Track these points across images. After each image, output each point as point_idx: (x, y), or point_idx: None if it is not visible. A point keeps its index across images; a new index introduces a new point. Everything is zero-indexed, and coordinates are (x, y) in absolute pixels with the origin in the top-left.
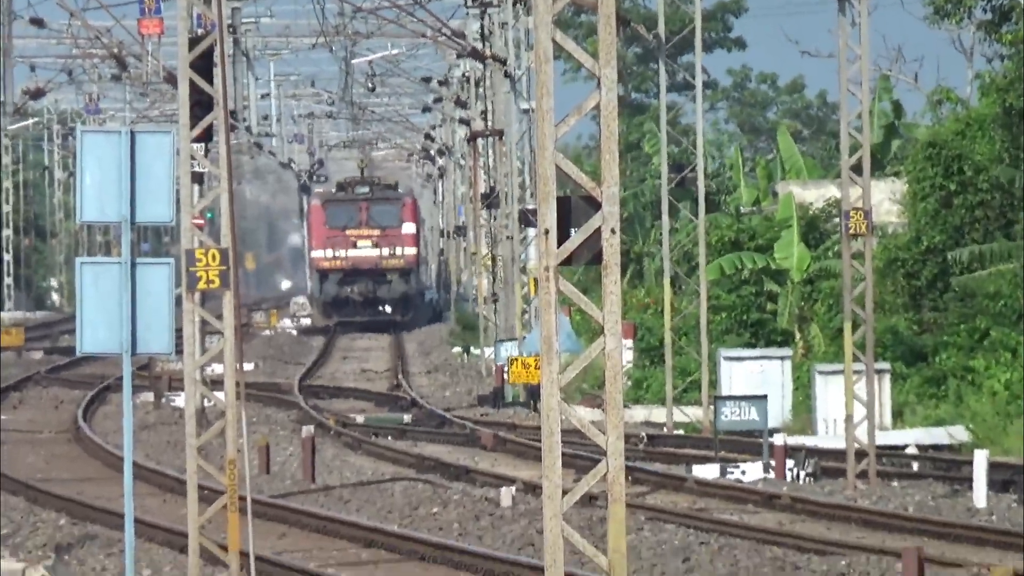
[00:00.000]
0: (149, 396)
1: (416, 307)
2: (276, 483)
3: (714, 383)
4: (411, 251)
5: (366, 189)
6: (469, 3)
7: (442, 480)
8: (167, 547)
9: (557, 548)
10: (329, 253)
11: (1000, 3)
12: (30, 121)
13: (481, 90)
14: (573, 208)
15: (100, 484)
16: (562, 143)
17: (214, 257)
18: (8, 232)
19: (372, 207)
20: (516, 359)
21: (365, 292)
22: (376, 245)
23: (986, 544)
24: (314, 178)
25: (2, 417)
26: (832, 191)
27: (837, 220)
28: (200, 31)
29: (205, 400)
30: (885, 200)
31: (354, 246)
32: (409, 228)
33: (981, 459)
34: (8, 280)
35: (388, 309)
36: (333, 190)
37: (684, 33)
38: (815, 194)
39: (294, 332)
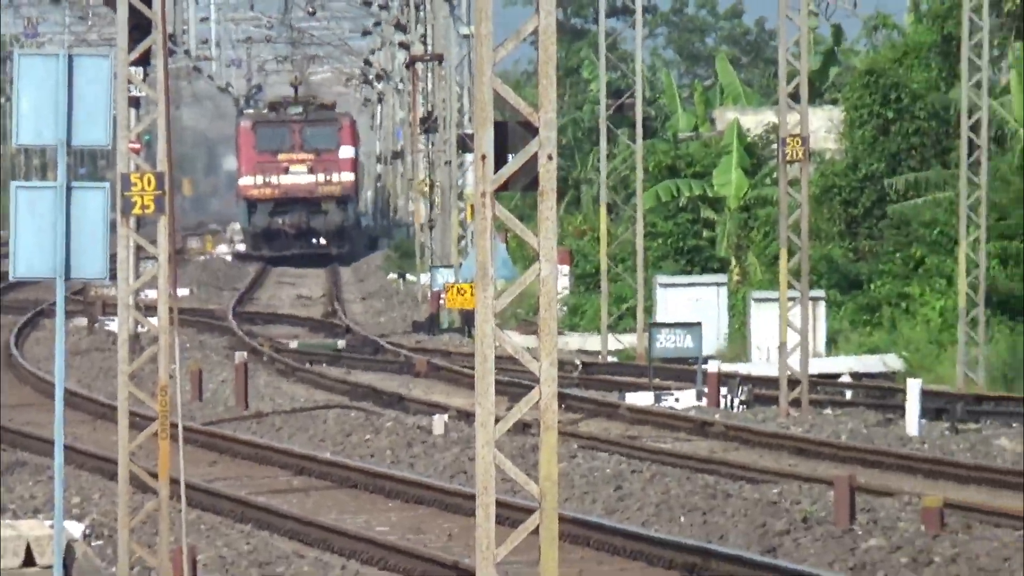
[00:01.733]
0: (82, 321)
1: (353, 239)
2: (208, 410)
3: (650, 310)
4: (349, 177)
5: (300, 109)
6: None
7: (375, 407)
8: (97, 474)
9: (489, 476)
10: (259, 180)
11: None
12: None
13: (421, 14)
14: (510, 133)
15: (31, 410)
16: (501, 68)
17: (149, 182)
18: None
19: (306, 129)
20: (452, 285)
21: (298, 223)
22: (311, 171)
23: (917, 472)
24: (251, 103)
25: None
26: (770, 118)
27: (775, 147)
28: None
29: (138, 326)
30: (822, 127)
31: (286, 172)
32: (347, 152)
33: (914, 387)
34: None
35: (323, 242)
36: (264, 110)
37: None
38: (753, 120)
39: (229, 258)
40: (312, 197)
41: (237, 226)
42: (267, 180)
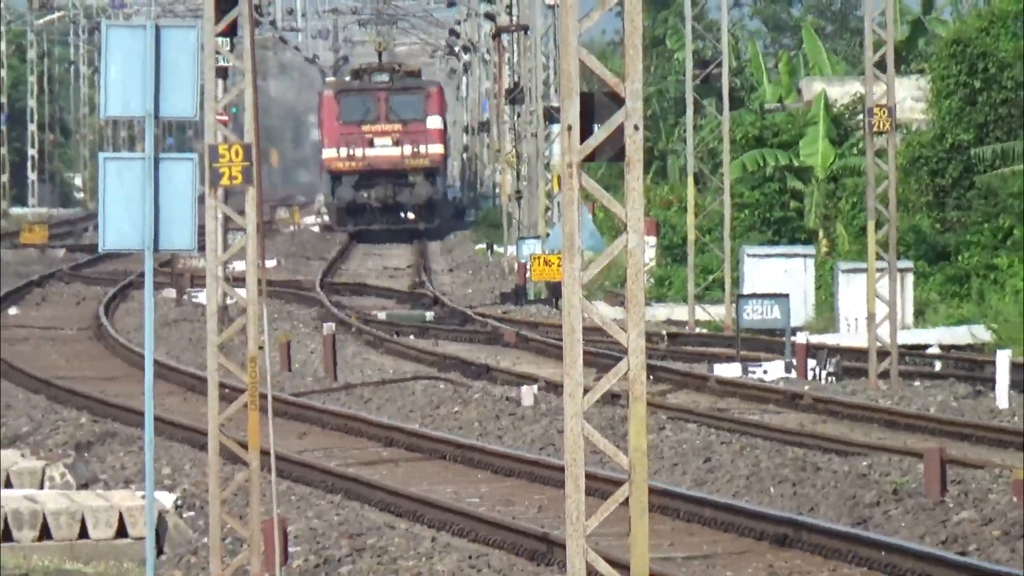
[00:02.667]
0: (171, 293)
1: (442, 213)
2: (297, 381)
3: (737, 281)
4: (437, 149)
5: (385, 77)
6: None
7: (463, 379)
8: (187, 445)
9: (577, 447)
10: (343, 152)
11: None
12: (56, 15)
13: None
14: (596, 104)
15: (121, 382)
16: (586, 39)
17: (237, 153)
18: (33, 127)
19: (392, 98)
20: (538, 256)
21: (384, 197)
22: (397, 143)
23: (1008, 445)
24: (337, 74)
25: (20, 314)
26: (856, 87)
27: (861, 117)
28: None
29: (227, 297)
30: (909, 97)
31: (371, 144)
32: (435, 122)
33: (1004, 359)
34: (33, 176)
35: (411, 216)
36: (348, 78)
37: None
38: (840, 91)
39: (316, 229)
40: (399, 170)
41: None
42: (352, 152)
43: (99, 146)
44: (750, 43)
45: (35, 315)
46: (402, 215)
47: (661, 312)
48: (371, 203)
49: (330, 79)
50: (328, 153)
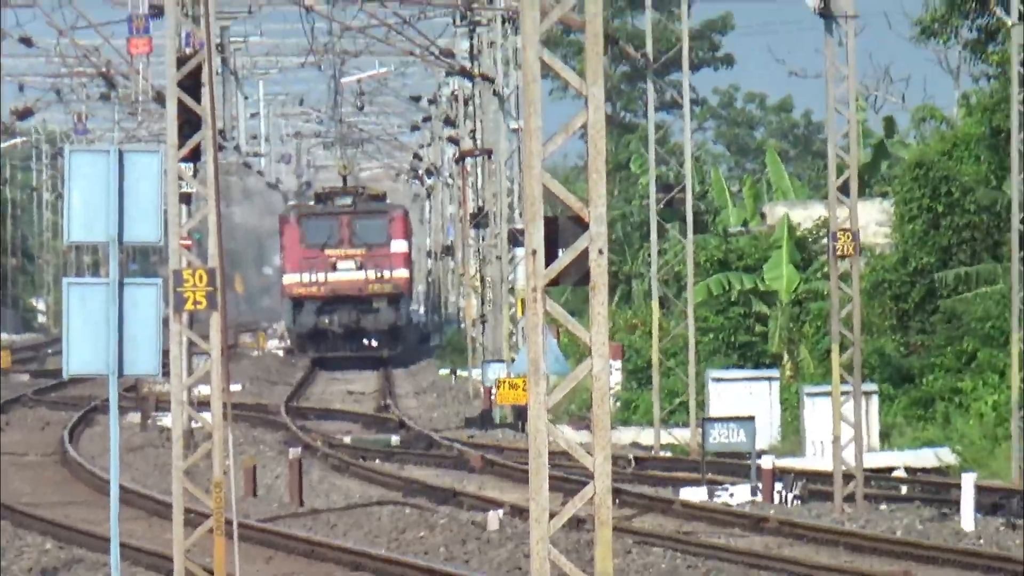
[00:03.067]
0: (136, 417)
1: (406, 340)
2: (263, 506)
3: (702, 405)
4: (402, 273)
5: (349, 201)
6: (458, 22)
7: (429, 503)
8: (153, 571)
9: (544, 572)
10: (305, 277)
11: (986, 23)
12: (18, 140)
13: (470, 109)
14: (561, 228)
15: (86, 507)
16: (550, 163)
17: (201, 278)
18: None
19: (356, 222)
20: (504, 380)
21: (347, 323)
22: (361, 267)
23: (974, 568)
24: (301, 198)
25: None
26: (820, 211)
27: (825, 241)
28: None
29: (192, 421)
30: (873, 221)
31: (334, 268)
32: (400, 246)
33: (969, 482)
34: None
35: (375, 343)
36: (311, 202)
37: (672, 53)
38: (803, 215)
39: (281, 353)
40: (362, 295)
41: None
42: (314, 277)
43: (63, 271)
44: (713, 168)
45: None
46: (365, 341)
47: (627, 435)
48: (334, 329)
49: (292, 202)
50: (289, 278)
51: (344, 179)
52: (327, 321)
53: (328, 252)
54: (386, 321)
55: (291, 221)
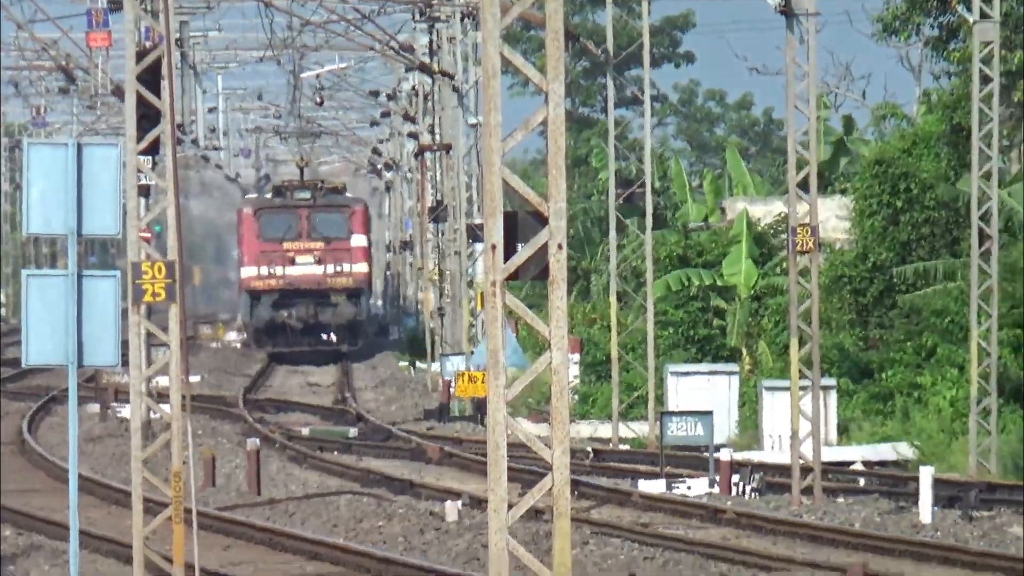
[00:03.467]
0: (95, 408)
1: (366, 335)
2: (222, 496)
3: (661, 398)
4: (361, 268)
5: (307, 194)
6: (417, 17)
7: (387, 494)
8: (113, 559)
9: (502, 562)
10: (263, 271)
11: (948, 20)
12: None
13: (429, 104)
14: (520, 223)
15: (46, 495)
16: (509, 158)
17: (160, 270)
18: None
19: (315, 215)
20: (463, 373)
21: (305, 317)
22: (319, 261)
23: (931, 560)
24: (259, 191)
25: None
26: (780, 207)
27: (785, 236)
28: (148, 44)
29: (151, 412)
30: (832, 217)
31: (292, 262)
32: (359, 240)
33: (927, 475)
34: None
35: (333, 338)
36: (268, 195)
37: (632, 48)
38: (763, 210)
39: (239, 345)
40: (321, 289)
41: None
42: (271, 271)
43: (21, 263)
44: (674, 161)
45: None
46: (323, 336)
47: (585, 429)
48: (291, 323)
49: (250, 195)
50: (247, 271)
51: (302, 172)
52: (285, 315)
53: (286, 246)
54: (345, 316)
55: (249, 214)
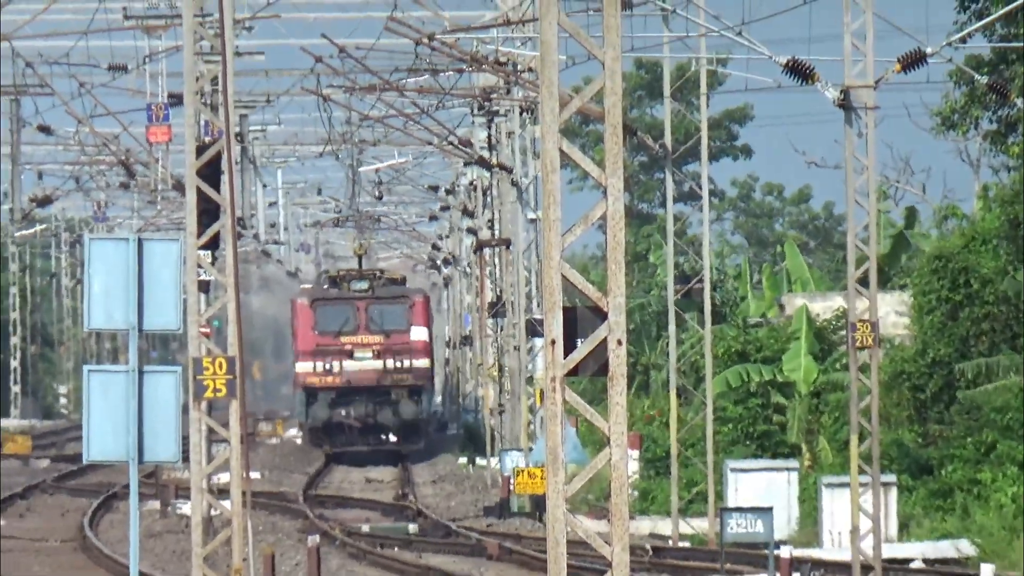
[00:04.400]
0: (155, 504)
1: (427, 434)
2: None
3: (720, 495)
4: (422, 363)
5: (365, 285)
6: (476, 112)
7: None
8: None
9: None
10: (319, 366)
11: (1006, 114)
12: (37, 228)
13: (488, 199)
14: (579, 318)
15: None
16: (569, 253)
17: (221, 366)
18: (15, 339)
19: (373, 307)
20: (522, 469)
21: (364, 416)
22: (378, 356)
23: None
24: (315, 282)
25: (4, 524)
26: (839, 302)
27: (844, 332)
28: (207, 139)
29: (211, 509)
30: (892, 312)
31: (350, 357)
32: (420, 333)
33: (988, 572)
34: (15, 388)
35: (393, 438)
36: (325, 286)
37: (690, 143)
38: (822, 306)
39: (299, 442)
40: (380, 386)
41: None
42: (328, 367)
43: (83, 358)
44: (743, 260)
45: (18, 526)
46: (383, 436)
47: (645, 525)
48: (349, 422)
49: (305, 285)
50: (302, 367)
51: (360, 261)
52: (343, 413)
53: (344, 339)
54: (406, 414)
55: (304, 305)
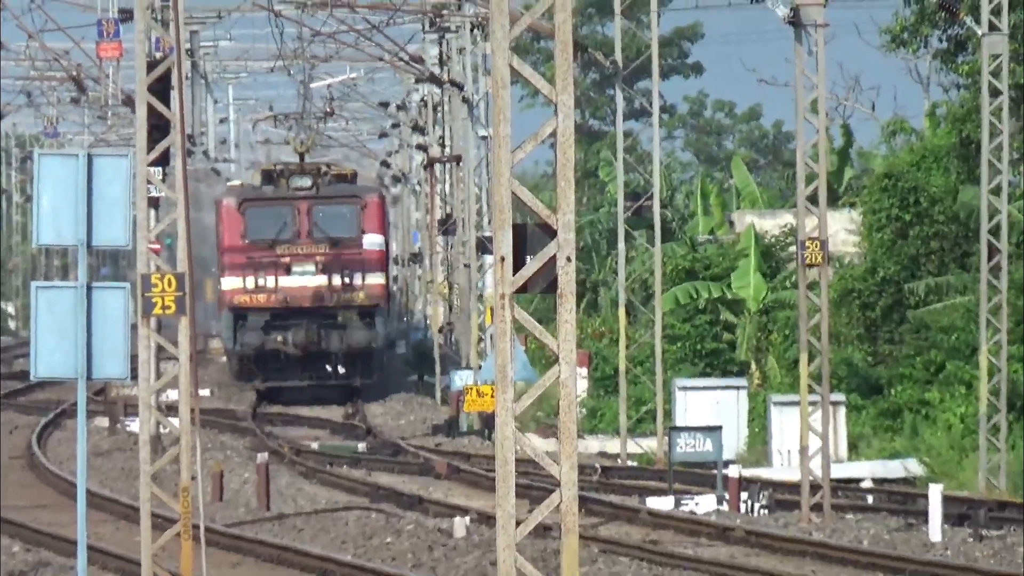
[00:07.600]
0: (104, 421)
1: (382, 365)
2: (230, 511)
3: (669, 413)
4: (377, 279)
5: (307, 182)
6: (427, 28)
7: (396, 509)
8: (120, 575)
9: None
10: (249, 282)
11: (956, 33)
12: None
13: (439, 115)
14: (529, 236)
15: (54, 511)
16: (519, 170)
17: (170, 282)
18: None
19: (317, 210)
20: (471, 387)
21: (304, 344)
22: (323, 270)
23: None
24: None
25: None
26: (788, 220)
27: (793, 249)
28: (158, 55)
29: (160, 426)
30: (841, 230)
31: (288, 271)
32: (374, 242)
33: (936, 493)
34: None
35: (341, 369)
36: (257, 183)
37: (641, 59)
38: (772, 223)
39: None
40: (325, 307)
41: None
42: (260, 283)
43: (32, 275)
44: (698, 177)
45: None
46: (329, 368)
47: (593, 444)
48: (286, 351)
49: (232, 183)
50: (229, 283)
51: (302, 158)
52: (278, 340)
53: (280, 250)
54: (356, 341)
55: (230, 208)
